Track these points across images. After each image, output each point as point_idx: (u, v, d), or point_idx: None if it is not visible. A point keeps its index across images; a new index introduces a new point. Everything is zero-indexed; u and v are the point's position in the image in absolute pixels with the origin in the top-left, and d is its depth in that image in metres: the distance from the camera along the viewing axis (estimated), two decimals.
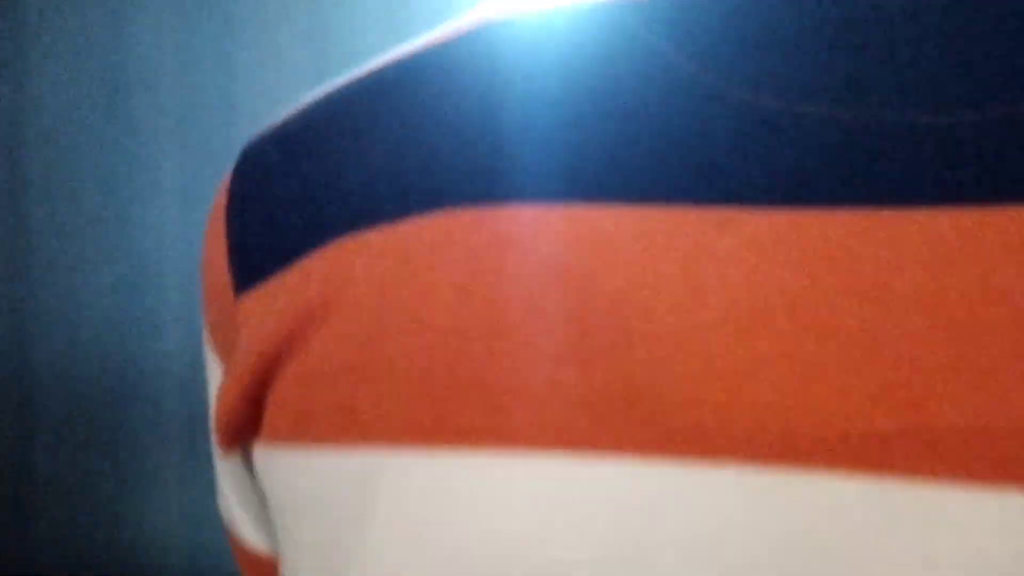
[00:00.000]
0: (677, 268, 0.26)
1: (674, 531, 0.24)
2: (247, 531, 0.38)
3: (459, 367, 0.27)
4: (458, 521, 0.26)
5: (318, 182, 0.32)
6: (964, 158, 0.25)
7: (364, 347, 0.29)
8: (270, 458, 0.32)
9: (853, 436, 0.24)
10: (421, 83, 0.32)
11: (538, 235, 0.27)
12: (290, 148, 0.33)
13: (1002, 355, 0.23)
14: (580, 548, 0.25)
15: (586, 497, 0.25)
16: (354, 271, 0.30)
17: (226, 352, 0.35)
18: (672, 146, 0.27)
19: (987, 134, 0.25)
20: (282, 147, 0.34)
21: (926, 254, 0.24)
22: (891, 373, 0.24)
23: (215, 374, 0.37)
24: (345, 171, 0.32)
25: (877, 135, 0.26)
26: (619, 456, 0.25)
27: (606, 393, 0.26)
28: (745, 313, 0.25)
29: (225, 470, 0.37)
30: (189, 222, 1.74)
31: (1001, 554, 0.22)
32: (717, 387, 0.25)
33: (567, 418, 0.26)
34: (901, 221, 0.25)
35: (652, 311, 0.26)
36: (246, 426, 0.33)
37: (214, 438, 0.36)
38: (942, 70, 0.26)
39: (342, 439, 0.29)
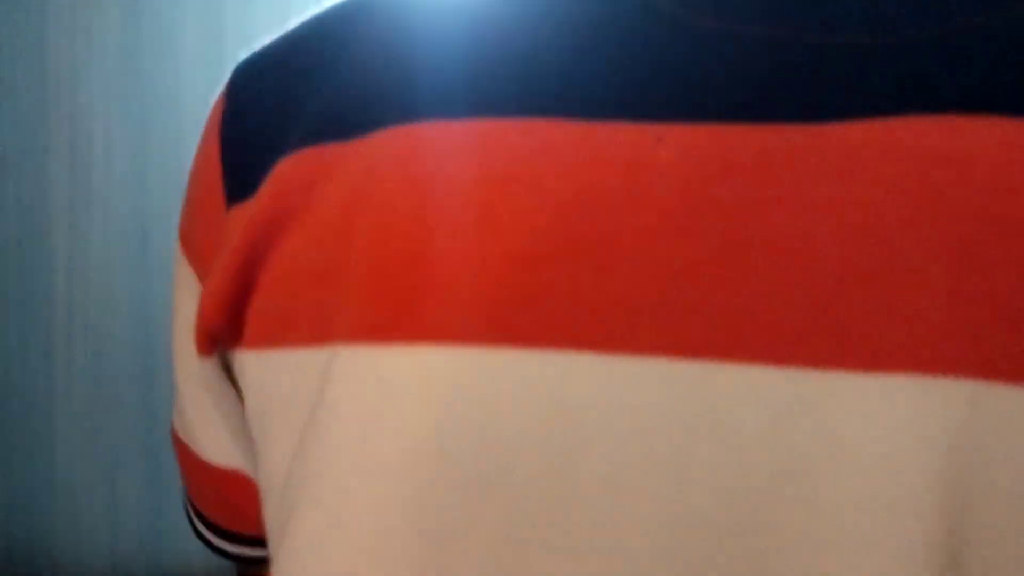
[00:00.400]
0: (619, 178, 0.28)
1: (602, 415, 0.26)
2: (210, 444, 0.40)
3: (412, 270, 0.29)
4: (399, 406, 0.28)
5: (295, 99, 0.34)
6: (876, 75, 0.27)
7: (332, 251, 0.31)
8: (252, 363, 0.33)
9: (769, 333, 0.25)
10: (391, 6, 0.34)
11: (496, 146, 0.29)
12: (273, 68, 0.35)
13: (903, 254, 0.25)
14: (515, 430, 0.27)
15: (522, 391, 0.27)
16: (324, 179, 0.31)
17: (206, 266, 0.36)
18: (616, 64, 0.29)
19: (895, 54, 0.27)
20: (267, 68, 0.36)
21: (839, 164, 0.26)
22: (803, 275, 0.26)
23: (188, 290, 0.38)
24: (319, 88, 0.33)
25: (802, 54, 0.28)
26: (556, 351, 0.27)
27: (550, 292, 0.27)
28: (679, 221, 0.27)
29: (197, 381, 0.38)
30: None
31: (899, 437, 0.24)
32: (651, 288, 0.26)
33: (510, 316, 0.27)
34: (818, 135, 0.27)
35: (595, 217, 0.28)
36: (224, 332, 0.35)
37: (190, 348, 0.37)
38: None
39: (312, 339, 0.31)
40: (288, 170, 0.32)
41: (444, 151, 0.30)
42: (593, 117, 0.29)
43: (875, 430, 0.24)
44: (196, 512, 0.45)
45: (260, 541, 0.42)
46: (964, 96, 0.26)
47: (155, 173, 1.54)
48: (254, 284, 0.33)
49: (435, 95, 0.31)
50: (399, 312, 0.29)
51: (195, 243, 0.38)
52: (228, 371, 0.37)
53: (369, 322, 0.29)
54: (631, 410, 0.26)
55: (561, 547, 0.26)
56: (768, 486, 0.25)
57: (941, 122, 0.26)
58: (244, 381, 0.34)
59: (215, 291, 0.34)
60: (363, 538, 0.28)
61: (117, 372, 1.54)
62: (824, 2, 0.28)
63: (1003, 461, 0.23)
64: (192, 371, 0.39)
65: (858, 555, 0.24)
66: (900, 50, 0.27)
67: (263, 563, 0.44)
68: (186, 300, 0.38)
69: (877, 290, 0.25)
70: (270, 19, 1.62)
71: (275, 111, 0.34)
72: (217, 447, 0.40)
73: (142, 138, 1.54)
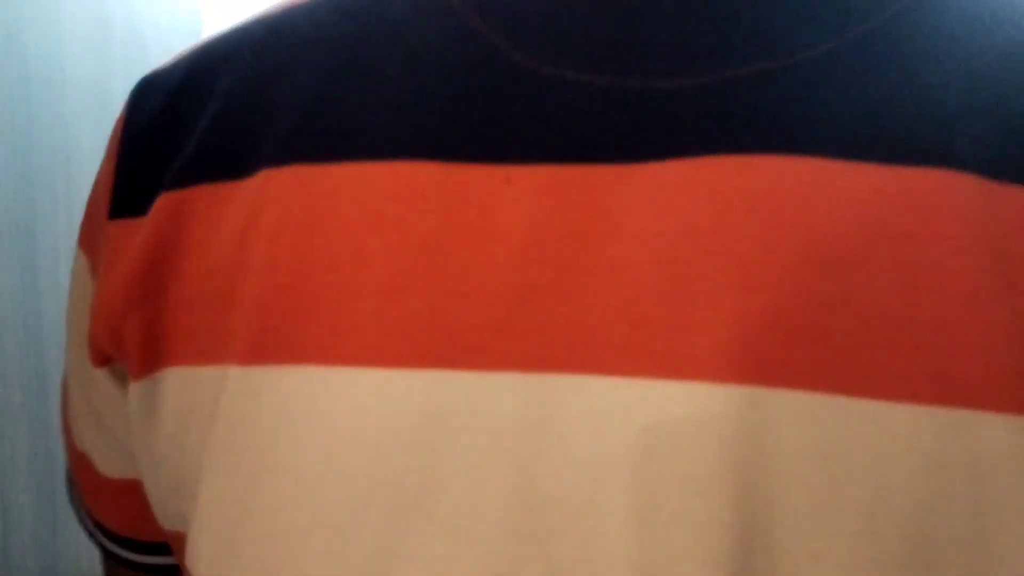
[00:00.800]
0: (473, 214, 0.32)
1: (465, 426, 0.30)
2: (105, 456, 0.42)
3: (296, 300, 0.33)
4: (287, 420, 0.32)
5: (181, 129, 0.37)
6: (682, 118, 0.31)
7: (226, 281, 0.34)
8: (158, 381, 0.36)
9: (596, 348, 0.30)
10: (275, 45, 0.37)
11: (366, 187, 0.33)
12: (165, 93, 0.39)
13: (699, 278, 0.30)
14: (390, 438, 0.30)
15: (396, 404, 0.31)
16: (216, 215, 0.35)
17: (96, 267, 0.39)
18: (467, 109, 0.33)
19: (700, 98, 0.32)
20: (161, 90, 0.39)
21: (651, 200, 0.31)
22: (621, 297, 0.30)
23: (84, 290, 0.41)
24: (199, 123, 0.37)
25: (622, 99, 0.32)
26: (424, 370, 0.31)
27: (415, 319, 0.31)
28: (522, 252, 0.31)
29: (90, 389, 0.41)
30: None
31: (694, 434, 0.29)
32: (498, 311, 0.31)
33: (383, 340, 0.31)
34: (635, 174, 0.31)
35: (453, 250, 0.31)
36: (118, 353, 0.38)
37: (85, 355, 0.40)
38: (676, 41, 0.32)
39: (209, 358, 0.34)
40: (177, 204, 0.36)
41: (318, 193, 0.33)
42: (450, 159, 0.32)
43: (675, 428, 0.29)
44: (97, 524, 0.46)
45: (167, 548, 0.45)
46: (755, 137, 0.31)
47: (40, 162, 1.47)
48: (156, 308, 0.36)
49: (304, 140, 0.34)
50: (284, 337, 0.33)
51: (89, 239, 0.41)
52: (123, 382, 0.40)
53: (258, 345, 0.33)
54: (486, 416, 0.30)
55: (433, 532, 0.30)
56: (600, 473, 0.29)
57: (734, 161, 0.31)
58: (151, 397, 0.37)
59: (105, 311, 0.37)
60: (267, 534, 0.32)
61: (4, 375, 1.46)
62: (640, 50, 0.32)
63: (781, 453, 0.28)
64: (86, 378, 0.41)
65: (665, 532, 0.28)
66: (704, 94, 0.31)
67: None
68: (81, 301, 0.41)
69: (678, 310, 0.29)
70: (154, 3, 1.56)
71: (164, 137, 0.38)
72: (112, 459, 0.42)
73: (26, 126, 1.47)
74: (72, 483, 0.48)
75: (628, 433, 0.29)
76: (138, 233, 0.37)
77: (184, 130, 0.37)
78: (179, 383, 0.35)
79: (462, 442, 0.30)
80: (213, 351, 0.34)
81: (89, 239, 0.41)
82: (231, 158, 0.35)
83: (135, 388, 0.37)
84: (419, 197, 0.32)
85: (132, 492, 0.42)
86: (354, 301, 0.32)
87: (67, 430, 0.46)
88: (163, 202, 0.36)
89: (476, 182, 0.32)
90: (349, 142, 0.34)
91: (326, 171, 0.34)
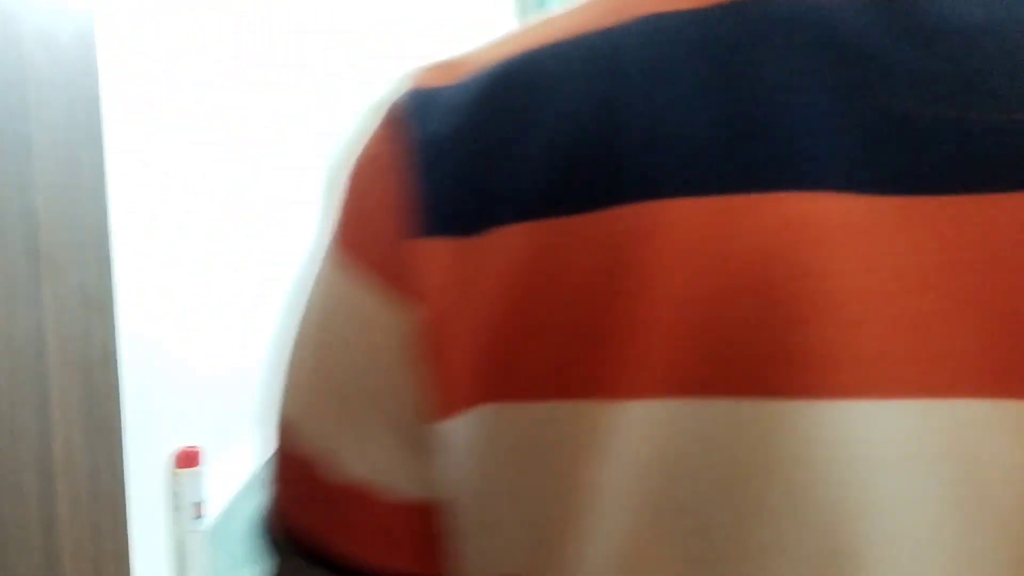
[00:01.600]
0: (863, 246, 0.32)
1: (838, 453, 0.31)
2: (398, 477, 0.40)
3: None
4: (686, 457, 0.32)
5: (507, 155, 0.36)
6: None
7: (591, 316, 0.34)
8: (493, 414, 0.35)
9: (993, 373, 0.31)
10: (605, 76, 0.35)
11: (748, 220, 0.32)
12: (469, 111, 0.37)
13: None
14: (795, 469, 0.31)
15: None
16: (568, 251, 0.34)
17: (398, 286, 0.37)
18: (856, 146, 0.33)
19: None
20: (460, 109, 0.37)
21: None
22: (1009, 326, 0.31)
23: (375, 300, 0.38)
24: (534, 150, 0.35)
25: (1008, 132, 0.32)
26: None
27: (813, 349, 0.31)
28: (908, 277, 0.31)
29: (399, 411, 0.39)
30: None
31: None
32: (894, 339, 0.31)
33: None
34: None
35: (837, 278, 0.31)
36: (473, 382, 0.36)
37: (398, 380, 0.38)
38: None
39: (576, 393, 0.34)
40: (532, 237, 0.35)
41: (698, 228, 0.33)
42: (840, 191, 0.32)
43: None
44: (355, 571, 0.42)
45: None
46: None
47: None
48: (505, 342, 0.35)
49: (674, 171, 0.33)
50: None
51: (375, 257, 0.39)
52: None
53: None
54: (873, 444, 0.31)
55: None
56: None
57: None
58: (479, 431, 0.36)
59: (469, 339, 0.36)
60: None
61: None
62: (992, 87, 0.32)
63: None
64: (393, 405, 0.39)
65: None
66: None
67: None
68: (371, 310, 0.38)
69: None
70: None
71: (483, 159, 0.36)
72: (408, 476, 0.40)
73: None
74: (302, 535, 0.43)
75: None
76: (477, 258, 0.36)
77: (509, 156, 0.36)
78: (518, 419, 0.35)
79: (848, 473, 0.31)
80: (576, 385, 0.34)
81: (372, 254, 0.38)
82: (584, 193, 0.35)
83: (453, 424, 0.37)
84: (811, 227, 0.32)
85: (425, 515, 0.40)
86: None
87: (315, 470, 0.42)
88: (517, 233, 0.35)
89: (867, 212, 0.32)
90: (717, 172, 0.33)
91: (698, 205, 0.33)
